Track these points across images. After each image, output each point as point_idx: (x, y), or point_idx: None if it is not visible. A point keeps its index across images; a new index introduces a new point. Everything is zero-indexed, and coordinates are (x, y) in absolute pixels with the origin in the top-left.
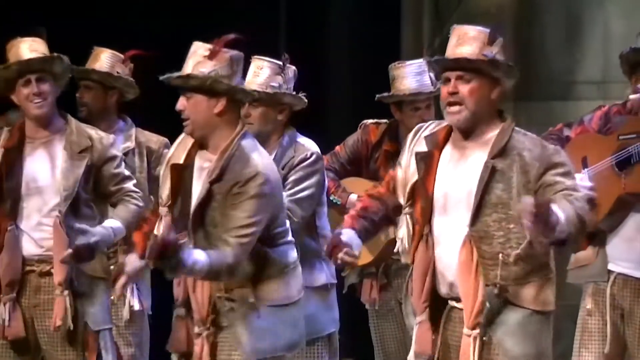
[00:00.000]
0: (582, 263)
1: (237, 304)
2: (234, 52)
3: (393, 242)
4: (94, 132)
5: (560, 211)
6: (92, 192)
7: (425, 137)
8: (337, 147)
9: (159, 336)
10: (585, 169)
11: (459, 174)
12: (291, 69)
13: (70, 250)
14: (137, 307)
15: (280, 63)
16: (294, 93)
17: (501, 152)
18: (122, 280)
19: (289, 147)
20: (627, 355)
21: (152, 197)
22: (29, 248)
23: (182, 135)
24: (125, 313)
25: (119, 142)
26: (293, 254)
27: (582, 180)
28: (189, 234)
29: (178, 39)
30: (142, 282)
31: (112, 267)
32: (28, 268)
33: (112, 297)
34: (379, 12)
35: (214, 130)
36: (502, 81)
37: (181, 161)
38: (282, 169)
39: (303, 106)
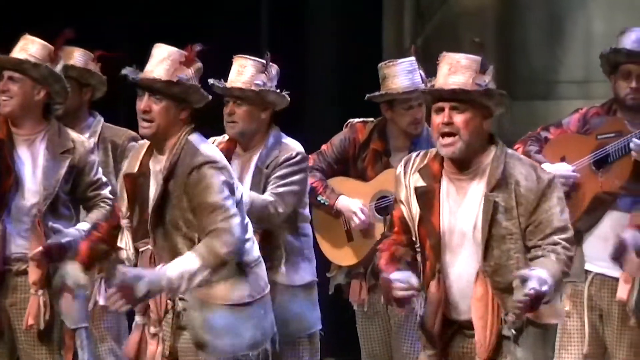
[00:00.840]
0: None
1: (190, 303)
2: (199, 63)
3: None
4: (75, 135)
5: (549, 277)
6: (69, 193)
7: (419, 171)
8: (324, 146)
9: None
10: None
11: (461, 210)
12: (274, 68)
13: (40, 248)
14: (101, 302)
15: (263, 61)
16: (278, 91)
17: (499, 183)
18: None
19: (274, 147)
20: (607, 356)
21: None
22: (7, 246)
23: (137, 146)
24: (90, 306)
25: None
26: (253, 252)
27: (563, 167)
28: (149, 236)
29: (156, 37)
30: None
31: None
32: (6, 267)
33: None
34: (360, 9)
35: (174, 134)
36: (493, 110)
37: (135, 170)
38: (267, 167)
39: (286, 105)
